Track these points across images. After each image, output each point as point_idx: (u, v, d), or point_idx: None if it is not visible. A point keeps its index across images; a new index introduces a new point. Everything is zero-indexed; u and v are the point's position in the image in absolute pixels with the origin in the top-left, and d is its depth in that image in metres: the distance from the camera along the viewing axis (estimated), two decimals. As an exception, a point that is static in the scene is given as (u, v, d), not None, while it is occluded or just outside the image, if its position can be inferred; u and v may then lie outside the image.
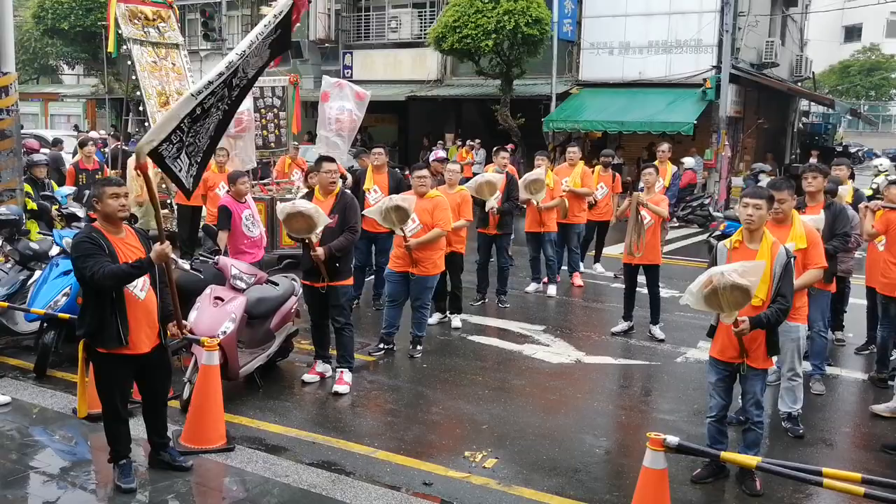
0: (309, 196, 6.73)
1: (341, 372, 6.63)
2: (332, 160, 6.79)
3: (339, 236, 6.45)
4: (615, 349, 7.99)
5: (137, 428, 5.05)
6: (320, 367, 6.82)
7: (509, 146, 17.99)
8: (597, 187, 10.81)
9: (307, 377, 6.74)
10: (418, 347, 7.61)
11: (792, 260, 4.94)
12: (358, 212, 6.70)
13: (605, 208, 11.06)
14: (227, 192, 8.13)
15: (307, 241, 6.33)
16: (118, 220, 4.61)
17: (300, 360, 7.33)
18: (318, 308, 6.68)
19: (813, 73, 28.45)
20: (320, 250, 6.33)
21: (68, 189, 10.61)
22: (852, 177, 8.55)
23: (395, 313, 7.56)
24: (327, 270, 6.46)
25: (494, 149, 10.39)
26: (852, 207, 7.40)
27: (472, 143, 20.37)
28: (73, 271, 6.87)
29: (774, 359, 5.17)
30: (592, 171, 10.88)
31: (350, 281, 6.90)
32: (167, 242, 4.58)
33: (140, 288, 4.62)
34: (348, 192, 6.96)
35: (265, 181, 12.79)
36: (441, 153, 13.62)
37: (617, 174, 11.61)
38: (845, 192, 7.70)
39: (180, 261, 6.73)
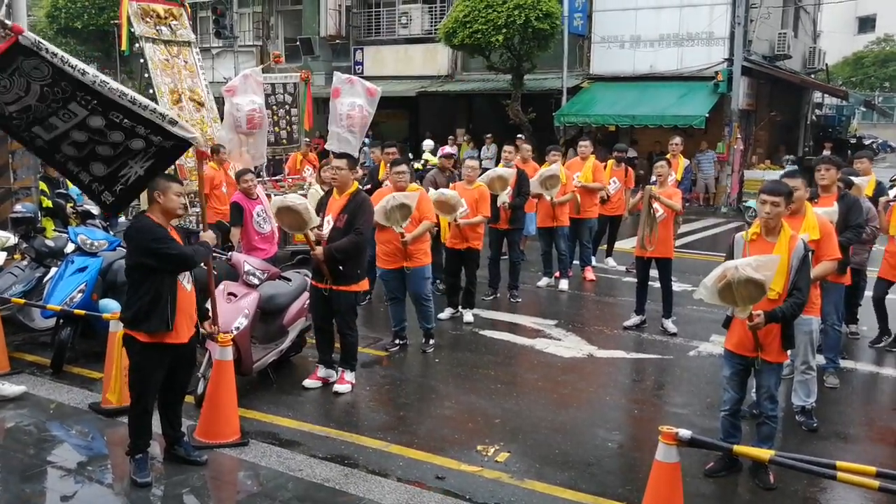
0: (328, 195, 6.59)
1: (342, 371, 6.56)
2: (341, 157, 6.65)
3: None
4: (627, 343, 7.98)
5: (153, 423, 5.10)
6: (322, 371, 6.57)
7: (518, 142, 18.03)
8: (609, 182, 10.79)
9: (308, 382, 6.50)
10: (430, 341, 7.63)
11: (810, 253, 4.90)
12: (368, 214, 6.46)
13: (617, 203, 11.01)
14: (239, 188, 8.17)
15: (305, 237, 6.20)
16: (173, 217, 4.88)
17: (313, 355, 7.29)
18: (321, 310, 6.48)
19: (826, 64, 28.18)
20: (319, 249, 6.15)
21: (82, 187, 10.64)
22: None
23: (400, 309, 7.57)
24: (329, 272, 6.28)
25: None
26: (873, 199, 7.37)
27: (487, 137, 20.44)
28: (87, 268, 7.04)
29: (789, 352, 5.15)
30: (605, 166, 10.87)
31: (356, 287, 6.47)
32: (209, 231, 5.14)
33: (187, 280, 4.85)
34: (363, 192, 6.80)
35: (277, 177, 12.83)
36: (448, 149, 13.57)
37: (629, 168, 11.57)
38: (864, 184, 7.65)
39: (226, 255, 6.71)
